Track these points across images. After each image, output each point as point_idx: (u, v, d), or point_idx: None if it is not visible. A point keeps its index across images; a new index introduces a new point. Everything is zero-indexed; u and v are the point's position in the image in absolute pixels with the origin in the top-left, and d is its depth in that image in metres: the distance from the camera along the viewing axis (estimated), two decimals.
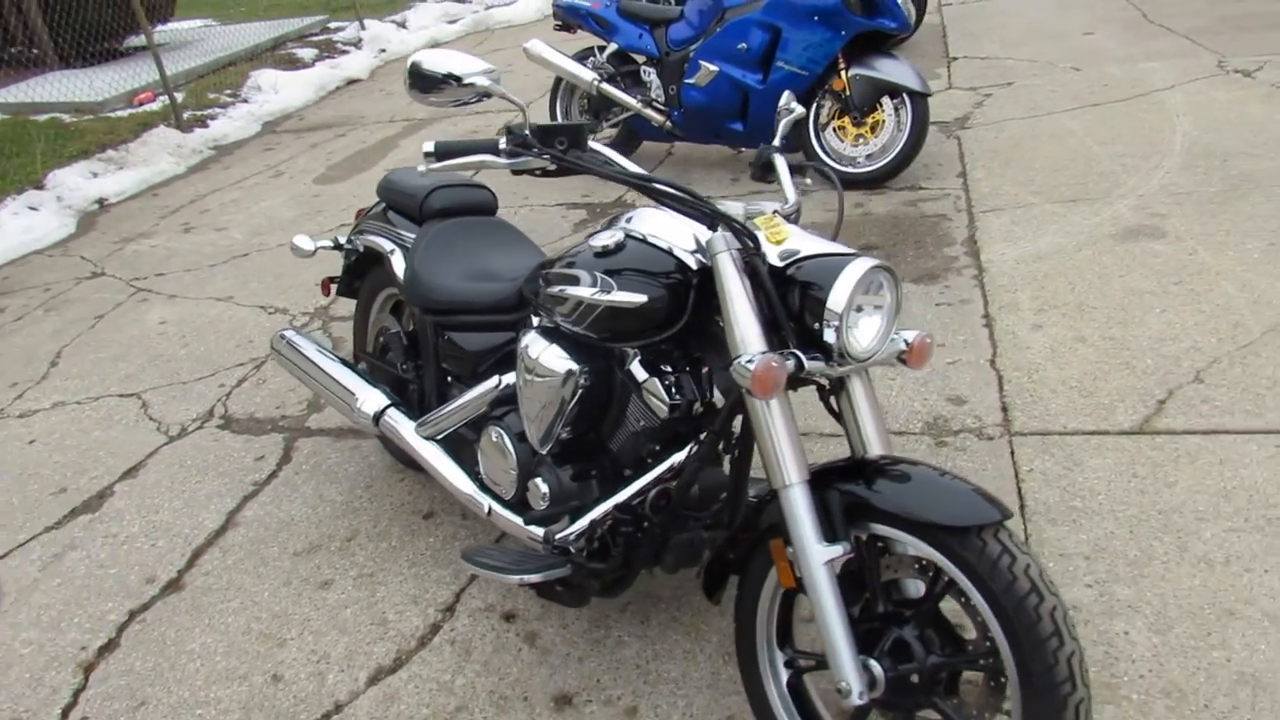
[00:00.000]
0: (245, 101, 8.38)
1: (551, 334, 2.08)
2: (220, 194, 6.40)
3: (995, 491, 2.50)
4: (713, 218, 1.79)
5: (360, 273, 3.05)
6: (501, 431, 2.26)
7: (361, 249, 2.93)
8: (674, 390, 1.97)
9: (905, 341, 1.88)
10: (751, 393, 1.64)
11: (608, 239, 1.97)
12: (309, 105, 8.54)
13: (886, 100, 4.70)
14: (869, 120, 4.76)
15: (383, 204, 2.92)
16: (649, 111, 5.24)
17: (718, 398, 2.00)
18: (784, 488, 1.70)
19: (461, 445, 2.48)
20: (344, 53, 9.94)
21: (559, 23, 5.75)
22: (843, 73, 4.66)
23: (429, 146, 1.87)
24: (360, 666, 2.38)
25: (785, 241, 1.81)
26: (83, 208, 6.51)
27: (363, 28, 10.47)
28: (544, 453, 2.14)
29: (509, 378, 2.27)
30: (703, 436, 1.94)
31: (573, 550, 2.06)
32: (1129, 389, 3.00)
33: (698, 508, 2.07)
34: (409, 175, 2.85)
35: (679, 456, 2.01)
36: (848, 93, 4.68)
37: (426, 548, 2.77)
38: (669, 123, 5.24)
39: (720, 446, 1.99)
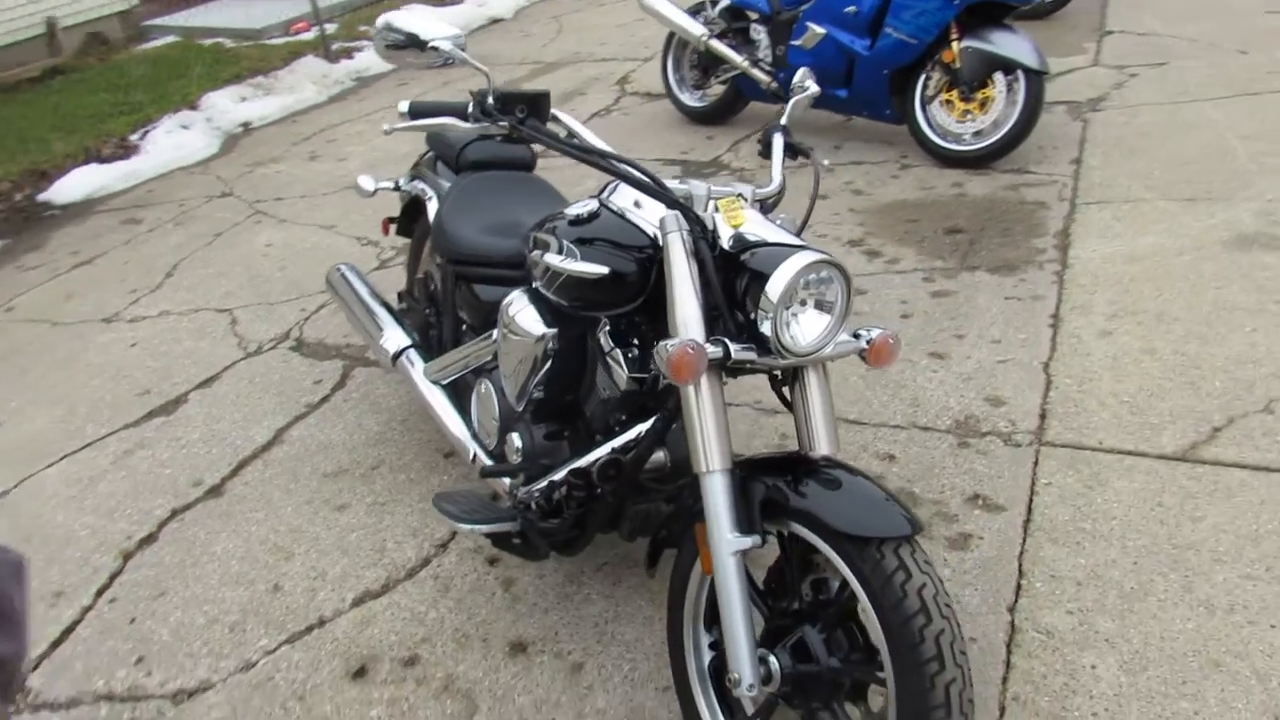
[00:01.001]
0: None
1: (535, 295, 2.12)
2: (349, 125, 6.70)
3: (1004, 502, 2.44)
4: (667, 198, 1.77)
5: (414, 216, 3.16)
6: (490, 384, 2.33)
7: (412, 193, 3.03)
8: (635, 362, 1.97)
9: (866, 340, 1.82)
10: (668, 377, 1.63)
11: (582, 208, 1.99)
12: None
13: (999, 76, 4.45)
14: (978, 96, 4.52)
15: (431, 152, 3.00)
16: (755, 72, 5.14)
17: None
18: (704, 474, 1.70)
19: (465, 394, 2.57)
20: None
21: None
22: (954, 43, 4.43)
23: (403, 106, 1.92)
24: (350, 588, 2.53)
25: (741, 226, 1.78)
26: (228, 129, 6.94)
27: None
28: (519, 409, 2.20)
29: None
30: (656, 416, 1.95)
31: (530, 506, 2.12)
32: (1185, 410, 2.80)
33: (667, 480, 2.08)
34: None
35: (641, 428, 2.03)
36: (957, 65, 4.45)
37: (439, 484, 2.89)
38: (774, 84, 5.13)
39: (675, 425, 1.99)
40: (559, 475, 2.08)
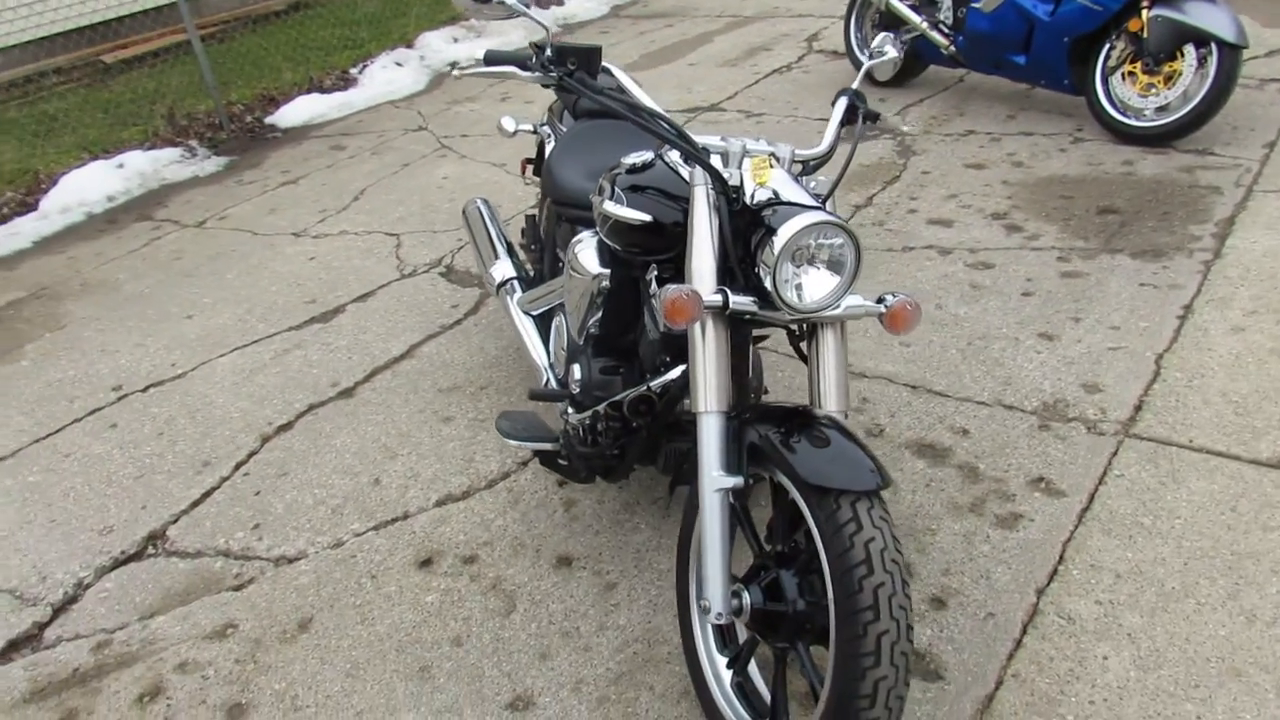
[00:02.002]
0: None
1: (598, 237, 2.28)
2: None
3: (1067, 488, 2.40)
4: (691, 153, 1.87)
5: (544, 158, 3.37)
6: (564, 318, 2.52)
7: (541, 136, 3.24)
8: None
9: (885, 304, 1.86)
10: (664, 318, 1.75)
11: (638, 158, 2.11)
12: None
13: (1190, 49, 4.13)
14: (1164, 69, 4.22)
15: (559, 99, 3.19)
16: (933, 34, 5.00)
17: None
18: (700, 413, 1.81)
19: (551, 324, 2.77)
20: None
21: None
22: (1143, 11, 4.15)
23: (479, 53, 2.10)
24: (436, 490, 2.81)
25: (766, 184, 1.85)
26: (437, 68, 7.43)
27: None
28: (580, 343, 2.37)
29: None
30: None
31: (571, 432, 2.30)
32: None
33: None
34: None
35: (678, 370, 2.15)
36: (1145, 35, 4.17)
37: (535, 409, 3.12)
38: (952, 47, 4.97)
39: None
40: (602, 407, 2.25)
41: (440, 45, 7.65)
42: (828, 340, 1.88)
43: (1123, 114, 4.37)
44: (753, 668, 1.97)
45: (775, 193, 1.83)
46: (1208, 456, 2.52)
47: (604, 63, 2.08)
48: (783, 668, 1.85)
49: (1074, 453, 2.61)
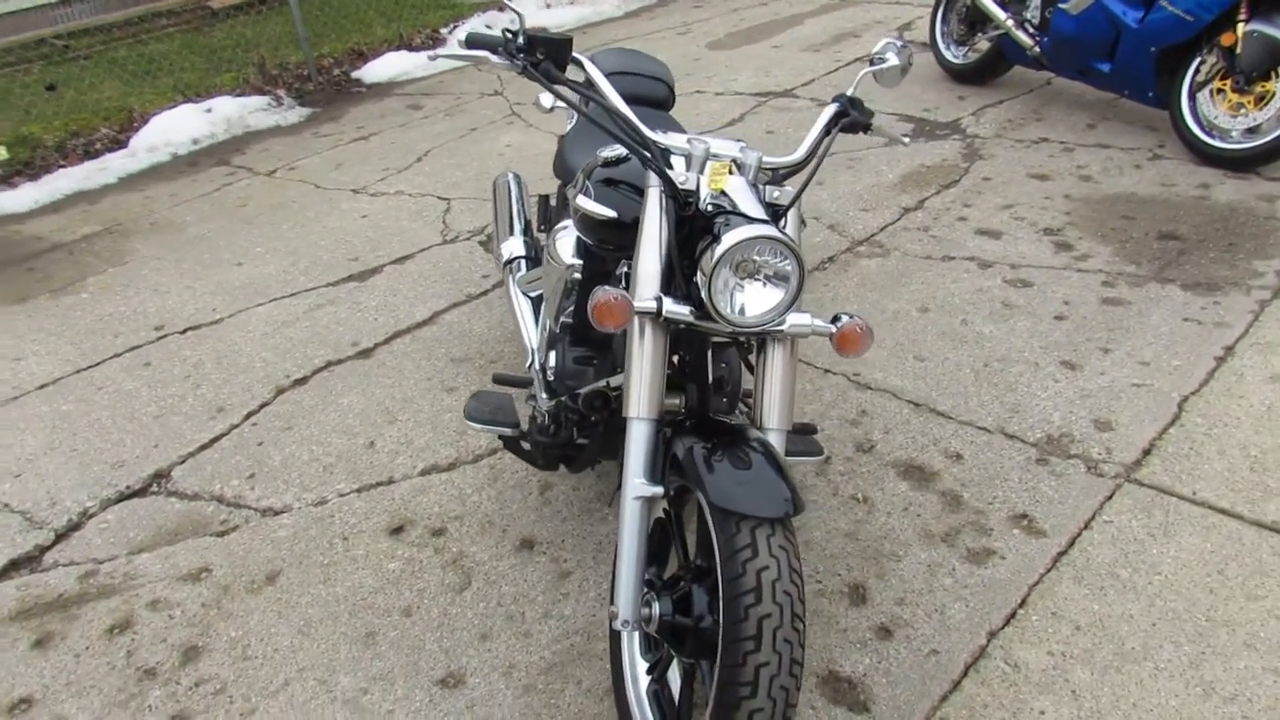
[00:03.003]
0: None
1: None
2: (628, 41, 6.97)
3: (1049, 529, 2.30)
4: (641, 154, 1.83)
5: None
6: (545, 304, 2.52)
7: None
8: None
9: (837, 324, 1.80)
10: (593, 321, 1.73)
11: (611, 151, 2.08)
12: None
13: None
14: (1256, 89, 3.95)
15: None
16: (1018, 33, 4.78)
17: None
18: (630, 419, 1.79)
19: None
20: None
21: None
22: (1239, 25, 3.89)
23: (461, 34, 2.09)
24: (424, 459, 2.86)
25: (720, 190, 1.81)
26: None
27: None
28: (556, 330, 2.37)
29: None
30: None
31: (536, 420, 2.30)
32: None
33: None
34: (600, 57, 3.06)
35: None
36: (1238, 51, 3.90)
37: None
38: (1035, 48, 4.74)
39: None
40: (566, 397, 2.24)
41: (532, 10, 7.68)
42: (775, 356, 1.83)
43: (1207, 133, 4.11)
44: (674, 675, 1.95)
45: (728, 200, 1.78)
46: (1208, 512, 2.38)
47: (576, 54, 2.05)
48: (691, 680, 1.83)
49: (1066, 492, 2.49)
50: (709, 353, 2.03)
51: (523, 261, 3.02)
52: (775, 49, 6.47)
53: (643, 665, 1.98)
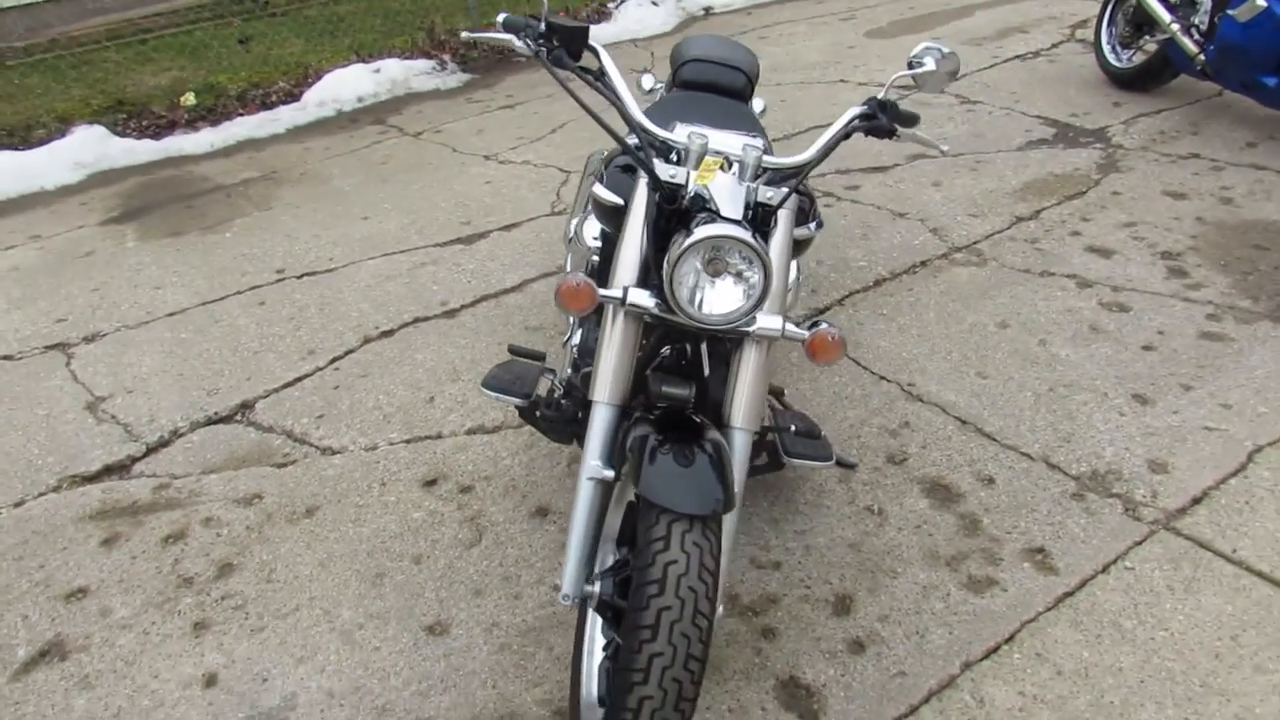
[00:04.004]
0: None
1: None
2: (792, 24, 6.91)
3: (1062, 567, 2.22)
4: (627, 147, 1.86)
5: None
6: None
7: None
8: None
9: (806, 331, 1.79)
10: (557, 304, 1.78)
11: (633, 139, 2.12)
12: None
13: None
14: None
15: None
16: (1184, 39, 4.43)
17: None
18: (594, 402, 1.85)
19: None
20: None
21: None
22: None
23: (500, 17, 2.17)
24: (474, 419, 3.01)
25: (706, 186, 1.82)
26: (691, 11, 7.50)
27: None
28: None
29: None
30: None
31: (547, 393, 2.39)
32: None
33: (656, 405, 2.20)
34: (688, 42, 3.08)
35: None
36: None
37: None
38: (1201, 56, 4.38)
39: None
40: (572, 374, 2.31)
41: None
42: (747, 356, 1.84)
43: None
44: None
45: (708, 197, 1.79)
46: (1242, 573, 2.20)
47: (593, 44, 2.09)
48: None
49: (1094, 531, 2.36)
50: (703, 348, 2.06)
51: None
52: (936, 40, 6.22)
53: (601, 641, 2.03)
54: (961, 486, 2.54)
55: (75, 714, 2.13)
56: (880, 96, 2.05)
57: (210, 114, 6.05)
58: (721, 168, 1.86)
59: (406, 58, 6.71)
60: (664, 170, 1.84)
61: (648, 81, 3.34)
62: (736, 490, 1.79)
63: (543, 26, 2.03)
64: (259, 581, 2.46)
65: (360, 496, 2.72)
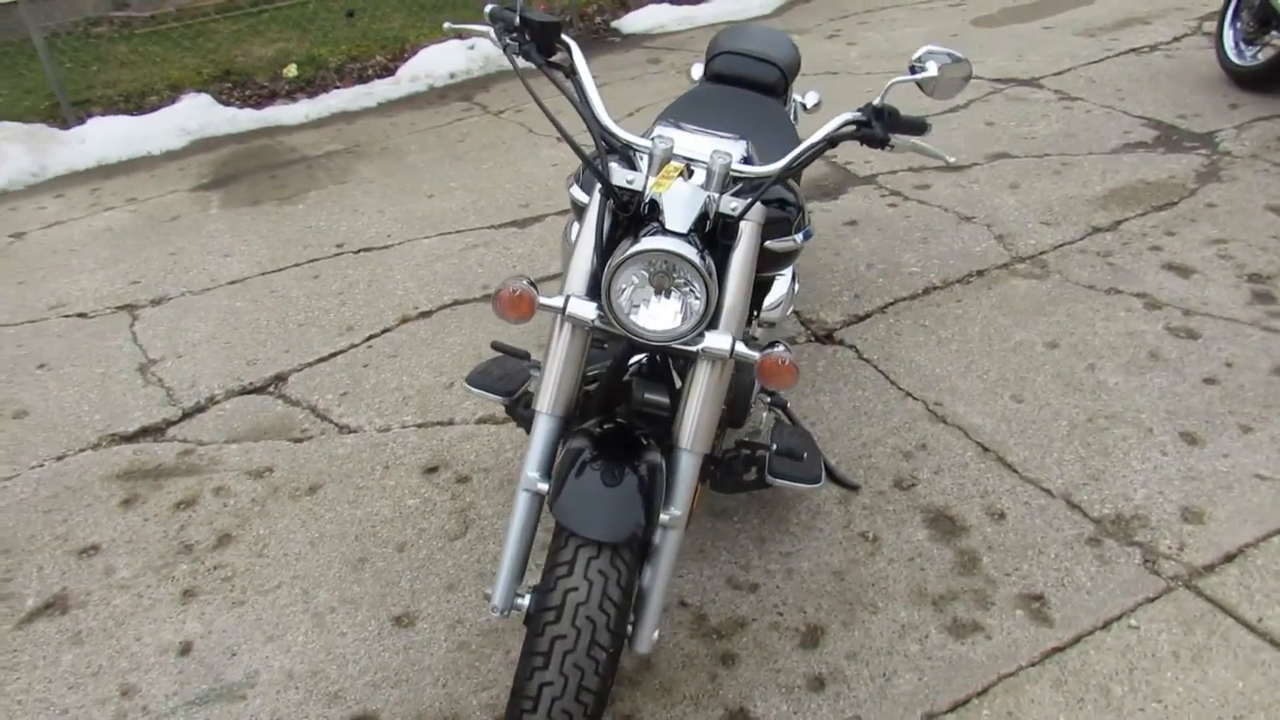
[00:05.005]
0: None
1: None
2: (882, 12, 6.62)
3: (1059, 619, 2.14)
4: (581, 153, 1.78)
5: None
6: None
7: None
8: None
9: (757, 353, 1.69)
10: (495, 310, 1.73)
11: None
12: None
13: None
14: None
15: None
16: None
17: None
18: (538, 413, 1.79)
19: None
20: None
21: None
22: None
23: (488, 7, 2.11)
24: (485, 409, 2.99)
25: (660, 194, 1.73)
26: None
27: None
28: None
29: None
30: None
31: (531, 390, 2.34)
32: None
33: (638, 413, 2.13)
34: (725, 33, 2.97)
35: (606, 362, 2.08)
36: None
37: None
38: None
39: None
40: None
41: None
42: (698, 375, 1.76)
43: None
44: None
45: (660, 205, 1.71)
46: (1264, 645, 1.98)
47: (565, 38, 2.02)
48: None
49: (1102, 581, 2.17)
50: (669, 363, 1.97)
51: None
52: (1046, 30, 5.86)
53: None
54: (968, 519, 2.38)
55: (61, 668, 2.22)
56: (876, 102, 1.90)
57: (309, 85, 6.22)
58: (681, 175, 1.77)
59: None
60: (620, 175, 1.77)
61: (696, 71, 3.23)
62: (676, 513, 1.71)
63: (518, 20, 1.97)
64: (251, 555, 2.51)
65: (362, 478, 2.75)
